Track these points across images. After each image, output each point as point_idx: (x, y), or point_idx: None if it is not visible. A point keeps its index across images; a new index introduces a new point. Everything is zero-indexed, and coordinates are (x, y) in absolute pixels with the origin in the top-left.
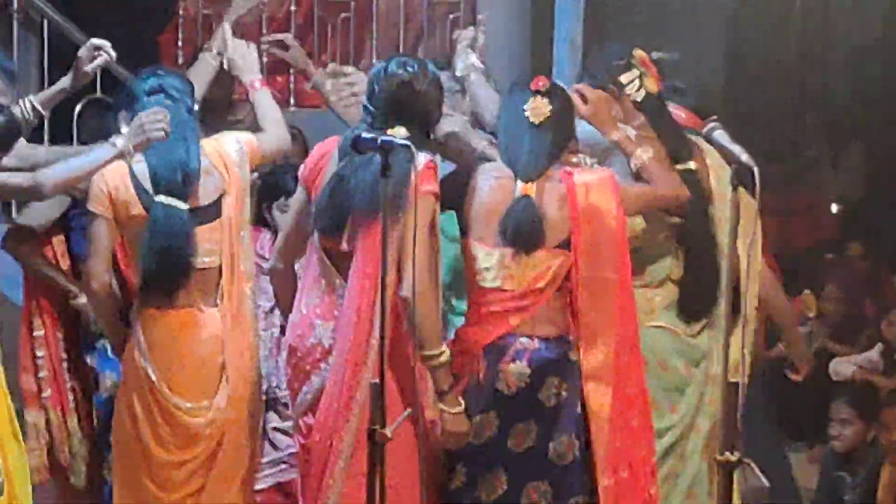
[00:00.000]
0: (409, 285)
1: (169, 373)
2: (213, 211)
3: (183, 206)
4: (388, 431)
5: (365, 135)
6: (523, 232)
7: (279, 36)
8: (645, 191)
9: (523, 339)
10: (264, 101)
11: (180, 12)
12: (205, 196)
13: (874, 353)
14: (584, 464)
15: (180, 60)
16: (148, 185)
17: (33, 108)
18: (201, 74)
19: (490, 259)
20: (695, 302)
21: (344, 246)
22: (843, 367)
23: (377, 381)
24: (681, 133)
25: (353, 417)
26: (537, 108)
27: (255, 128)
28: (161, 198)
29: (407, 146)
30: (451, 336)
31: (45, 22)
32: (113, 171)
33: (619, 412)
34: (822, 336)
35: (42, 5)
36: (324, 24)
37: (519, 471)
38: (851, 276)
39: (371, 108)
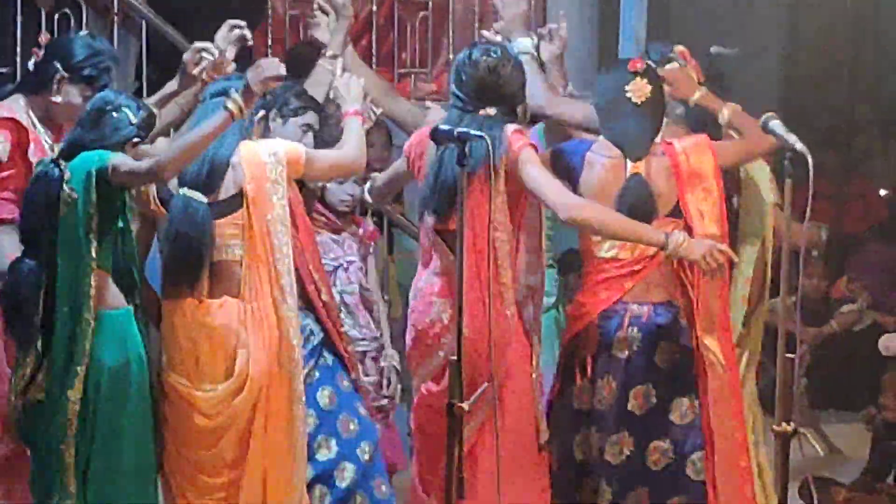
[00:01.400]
0: (553, 206)
1: (177, 358)
2: (232, 204)
3: (202, 198)
4: (465, 405)
5: (443, 127)
6: (638, 208)
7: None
8: (739, 143)
9: (633, 306)
10: (352, 127)
11: (269, 13)
12: (225, 191)
13: None
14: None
15: (269, 55)
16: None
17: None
18: (321, 82)
19: None
20: None
21: (453, 226)
22: (892, 341)
23: (455, 357)
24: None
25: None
26: (639, 89)
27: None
28: (184, 190)
29: (482, 137)
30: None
31: (144, 23)
32: None
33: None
34: (870, 311)
35: (141, 7)
36: (403, 23)
37: (642, 431)
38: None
39: (460, 93)
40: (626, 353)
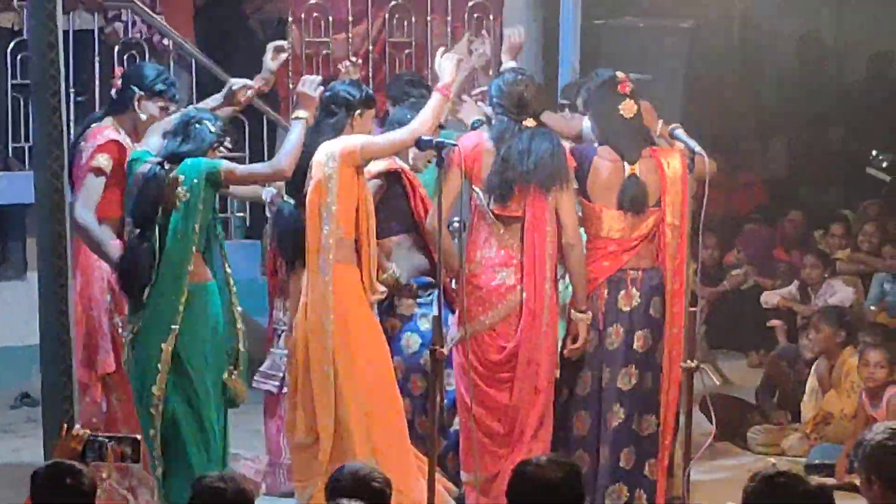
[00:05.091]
0: (569, 235)
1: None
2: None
3: (291, 200)
4: (445, 350)
5: (424, 137)
6: (635, 200)
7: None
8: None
9: (631, 272)
10: (430, 101)
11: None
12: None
13: (792, 288)
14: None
15: (290, 86)
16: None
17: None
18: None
19: (610, 217)
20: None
21: (513, 210)
22: (770, 297)
23: (437, 314)
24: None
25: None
26: (629, 107)
27: None
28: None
29: (455, 145)
30: None
31: (194, 61)
32: None
33: (676, 321)
34: (754, 276)
35: (192, 48)
36: (393, 58)
37: (644, 365)
38: (760, 233)
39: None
40: (629, 307)
